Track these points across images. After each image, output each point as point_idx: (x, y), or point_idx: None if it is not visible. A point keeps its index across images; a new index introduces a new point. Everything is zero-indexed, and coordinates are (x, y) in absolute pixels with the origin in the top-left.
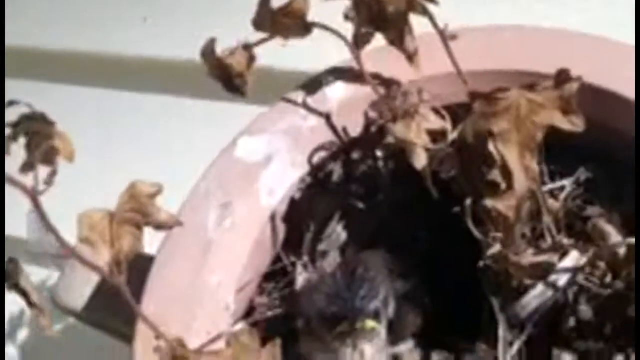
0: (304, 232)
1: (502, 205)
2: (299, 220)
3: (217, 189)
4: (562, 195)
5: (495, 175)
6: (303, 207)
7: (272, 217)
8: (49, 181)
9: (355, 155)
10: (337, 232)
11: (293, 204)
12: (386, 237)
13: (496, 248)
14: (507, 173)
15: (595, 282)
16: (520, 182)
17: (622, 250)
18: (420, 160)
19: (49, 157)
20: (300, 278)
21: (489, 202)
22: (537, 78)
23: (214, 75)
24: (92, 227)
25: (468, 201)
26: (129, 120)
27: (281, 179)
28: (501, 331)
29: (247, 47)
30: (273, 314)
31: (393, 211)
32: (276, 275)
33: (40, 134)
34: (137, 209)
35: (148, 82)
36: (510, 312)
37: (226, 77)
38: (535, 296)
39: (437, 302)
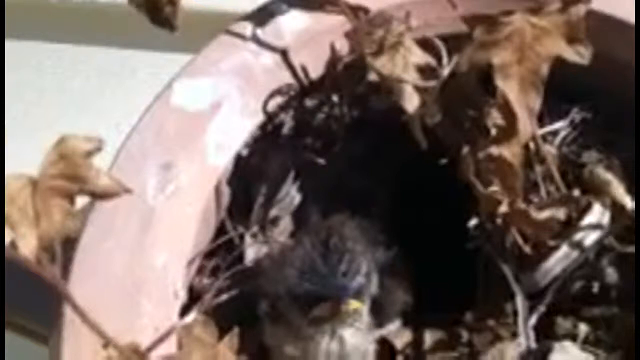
0: (252, 197)
1: (507, 152)
2: (247, 183)
3: (154, 145)
4: (557, 141)
5: (493, 118)
6: (252, 167)
7: (219, 180)
8: None
9: (309, 102)
10: (291, 194)
11: (240, 162)
12: (346, 198)
13: (504, 205)
14: (509, 115)
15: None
16: (525, 125)
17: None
18: (412, 101)
19: None
20: (250, 251)
21: (494, 150)
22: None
23: (136, 3)
24: (11, 200)
25: (465, 150)
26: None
27: (231, 132)
28: (520, 303)
29: None
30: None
31: (353, 167)
32: (219, 250)
33: None
34: (69, 174)
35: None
36: (529, 282)
37: (152, 5)
38: (559, 260)
39: (424, 273)
